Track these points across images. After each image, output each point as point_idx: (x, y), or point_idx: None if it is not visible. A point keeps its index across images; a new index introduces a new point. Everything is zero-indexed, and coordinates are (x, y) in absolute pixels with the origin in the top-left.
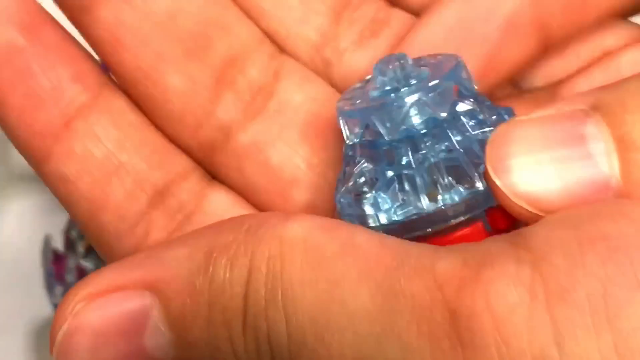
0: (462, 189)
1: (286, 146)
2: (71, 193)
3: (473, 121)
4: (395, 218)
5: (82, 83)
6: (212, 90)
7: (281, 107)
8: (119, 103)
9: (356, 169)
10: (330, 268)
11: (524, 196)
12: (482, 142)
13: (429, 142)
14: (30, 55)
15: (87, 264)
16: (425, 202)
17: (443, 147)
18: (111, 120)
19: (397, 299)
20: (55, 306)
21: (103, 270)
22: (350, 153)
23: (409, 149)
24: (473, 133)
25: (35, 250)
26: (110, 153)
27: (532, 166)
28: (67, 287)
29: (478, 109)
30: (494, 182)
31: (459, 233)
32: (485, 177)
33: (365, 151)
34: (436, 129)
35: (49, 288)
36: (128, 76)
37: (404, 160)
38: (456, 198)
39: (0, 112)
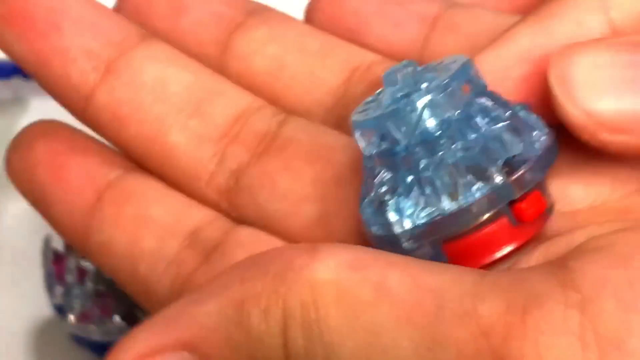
0: (482, 185)
1: (292, 170)
2: (110, 256)
3: (487, 118)
4: (420, 221)
5: (111, 166)
6: (218, 142)
7: (286, 144)
8: (140, 179)
9: (376, 180)
10: (368, 317)
11: (583, 107)
12: (498, 138)
13: (445, 143)
14: (65, 156)
15: (87, 264)
16: (446, 202)
17: (459, 147)
18: (138, 188)
19: (441, 347)
20: (56, 306)
21: (137, 333)
22: (369, 165)
23: (425, 152)
24: (488, 129)
25: (35, 250)
26: (140, 212)
27: (594, 80)
28: (67, 288)
29: (491, 106)
30: (553, 93)
31: (486, 230)
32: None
33: (383, 160)
34: (451, 129)
35: (49, 288)
36: (135, 148)
37: (422, 164)
38: (477, 195)
39: (41, 191)
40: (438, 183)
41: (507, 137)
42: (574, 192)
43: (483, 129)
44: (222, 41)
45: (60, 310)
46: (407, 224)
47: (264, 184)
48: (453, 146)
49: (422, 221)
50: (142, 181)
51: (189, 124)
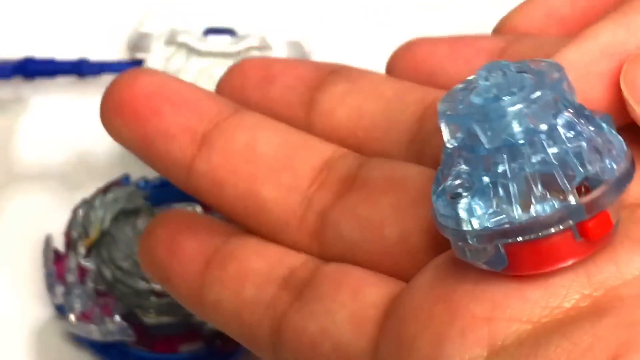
0: (554, 202)
1: (370, 200)
2: (221, 313)
3: (571, 132)
4: (487, 225)
5: (217, 234)
6: (306, 191)
7: (365, 180)
8: (240, 239)
9: (453, 170)
10: None
11: None
12: (578, 156)
13: (527, 153)
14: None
15: (87, 264)
16: (517, 212)
17: (539, 159)
18: (238, 248)
19: None
20: (56, 306)
21: None
22: (449, 152)
23: (506, 157)
24: (570, 146)
25: (36, 250)
26: (240, 267)
27: None
28: (67, 287)
29: (576, 121)
30: (624, 96)
31: (549, 241)
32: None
33: (463, 154)
34: (535, 139)
35: (50, 288)
36: (233, 207)
37: (501, 169)
38: (548, 210)
39: (162, 269)
40: (512, 190)
41: (587, 155)
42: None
43: (565, 144)
44: (307, 101)
45: (61, 310)
46: (475, 224)
47: (346, 217)
48: (534, 157)
49: (490, 225)
50: (242, 241)
51: (279, 179)
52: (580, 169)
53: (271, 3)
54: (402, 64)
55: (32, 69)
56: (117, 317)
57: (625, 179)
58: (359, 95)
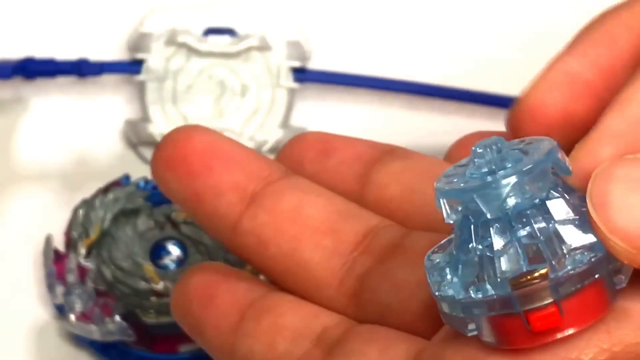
0: (488, 287)
1: (410, 265)
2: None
3: (562, 210)
4: (458, 296)
5: (253, 290)
6: (348, 255)
7: (407, 248)
8: (277, 295)
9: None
10: None
11: (620, 232)
12: (558, 234)
13: (515, 226)
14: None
15: (88, 264)
16: (483, 289)
17: (524, 233)
18: (274, 303)
19: None
20: (56, 306)
21: None
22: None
23: (496, 229)
24: (557, 220)
25: (36, 250)
26: (275, 322)
27: (630, 204)
28: (68, 287)
29: (567, 196)
30: (591, 216)
31: (507, 321)
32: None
33: (456, 227)
34: (525, 212)
35: (50, 288)
36: (275, 265)
37: (487, 242)
38: (480, 295)
39: (195, 320)
40: (487, 265)
41: (569, 232)
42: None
43: (552, 221)
44: (362, 176)
45: (61, 310)
46: (449, 292)
47: (385, 279)
48: (520, 231)
49: (460, 296)
50: (278, 297)
51: (323, 242)
52: (522, 262)
53: (271, 3)
54: (463, 152)
55: (32, 69)
56: (117, 317)
57: (602, 262)
58: (413, 174)
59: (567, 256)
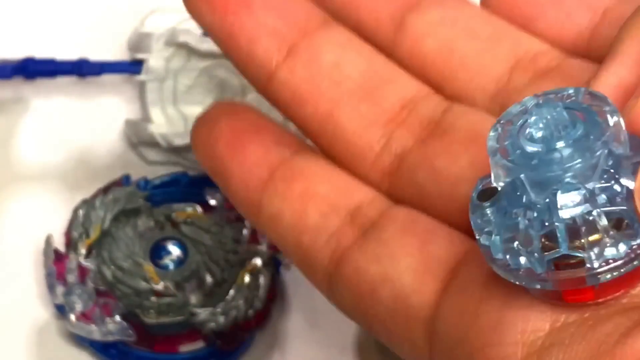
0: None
1: (450, 153)
2: (278, 228)
3: (607, 197)
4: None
5: (285, 145)
6: (385, 126)
7: (447, 129)
8: (311, 158)
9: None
10: None
11: None
12: (602, 222)
13: (561, 207)
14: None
15: (88, 264)
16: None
17: (568, 216)
18: (307, 167)
19: None
20: (56, 306)
21: None
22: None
23: (538, 208)
24: (603, 208)
25: (36, 250)
26: (307, 188)
27: None
28: (68, 287)
29: (618, 182)
30: (636, 207)
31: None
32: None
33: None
34: (572, 194)
35: (50, 288)
36: (310, 126)
37: (531, 215)
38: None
39: (221, 165)
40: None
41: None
42: None
43: (599, 207)
44: (396, 19)
45: (61, 310)
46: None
47: (424, 165)
48: (564, 212)
49: (497, 256)
50: (311, 160)
51: (360, 108)
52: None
53: None
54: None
55: (32, 69)
56: (117, 317)
57: (615, 268)
58: (453, 28)
59: (607, 245)
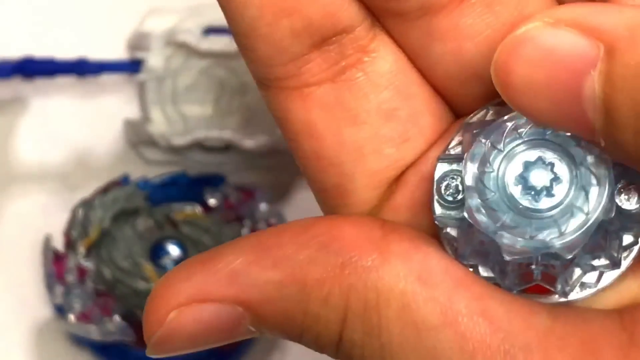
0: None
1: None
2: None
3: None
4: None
5: None
6: None
7: None
8: None
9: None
10: (430, 340)
11: None
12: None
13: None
14: None
15: (87, 264)
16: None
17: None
18: None
19: None
20: (56, 306)
21: (192, 277)
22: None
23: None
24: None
25: (36, 250)
26: None
27: None
28: (67, 287)
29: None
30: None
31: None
32: None
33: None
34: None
35: (49, 288)
36: None
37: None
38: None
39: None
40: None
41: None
42: None
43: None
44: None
45: (60, 310)
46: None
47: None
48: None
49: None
50: None
51: None
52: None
53: None
54: None
55: (31, 69)
56: (117, 317)
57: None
58: None
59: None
